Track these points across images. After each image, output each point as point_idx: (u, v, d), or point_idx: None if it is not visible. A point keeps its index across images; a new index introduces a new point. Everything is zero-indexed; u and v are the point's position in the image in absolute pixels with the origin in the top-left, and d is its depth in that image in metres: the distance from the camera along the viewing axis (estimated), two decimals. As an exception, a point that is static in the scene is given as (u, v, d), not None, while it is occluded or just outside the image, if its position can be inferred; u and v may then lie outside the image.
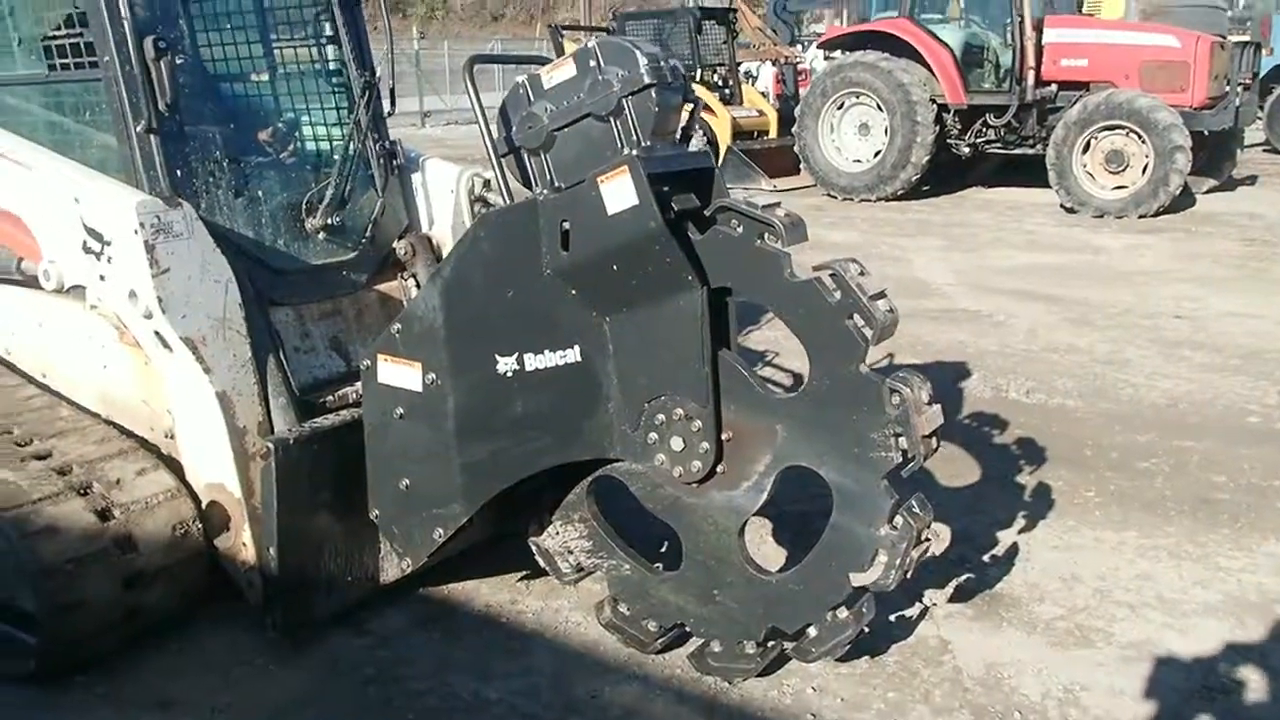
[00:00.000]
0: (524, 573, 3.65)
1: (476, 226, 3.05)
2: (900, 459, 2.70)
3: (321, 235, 3.67)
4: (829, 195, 13.43)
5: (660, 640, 3.18)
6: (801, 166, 13.80)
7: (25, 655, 3.06)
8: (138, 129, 3.23)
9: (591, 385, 2.99)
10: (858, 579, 2.82)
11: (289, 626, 3.21)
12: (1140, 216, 11.29)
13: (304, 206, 3.65)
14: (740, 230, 2.78)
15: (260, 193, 3.60)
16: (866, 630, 2.95)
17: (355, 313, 3.73)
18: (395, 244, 3.85)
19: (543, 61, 3.13)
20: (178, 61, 3.32)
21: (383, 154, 3.88)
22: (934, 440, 2.72)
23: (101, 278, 3.16)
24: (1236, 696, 3.04)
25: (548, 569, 3.35)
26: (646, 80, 2.78)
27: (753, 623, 2.98)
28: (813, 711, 2.98)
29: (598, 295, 2.89)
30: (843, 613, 2.87)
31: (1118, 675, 3.14)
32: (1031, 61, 12.35)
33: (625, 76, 2.79)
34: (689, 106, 3.07)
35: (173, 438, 3.33)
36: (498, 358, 2.98)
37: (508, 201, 3.11)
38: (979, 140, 13.16)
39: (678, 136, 3.03)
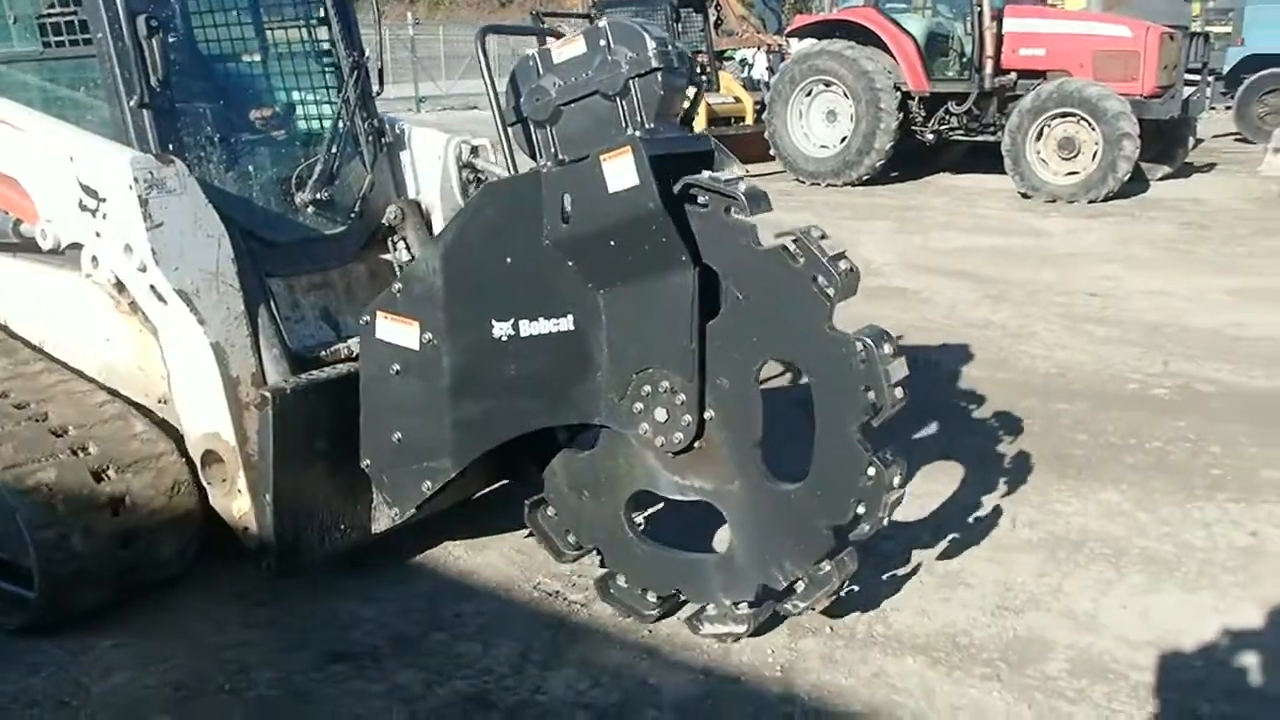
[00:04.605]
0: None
1: (481, 194, 3.19)
2: (870, 412, 2.82)
3: (310, 209, 3.78)
4: (797, 180, 13.77)
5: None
6: (772, 152, 14.15)
7: (22, 608, 3.27)
8: (131, 104, 3.34)
9: (583, 354, 3.13)
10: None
11: (284, 570, 3.34)
12: (1090, 201, 11.62)
13: (294, 181, 3.76)
14: (708, 204, 2.91)
15: (251, 167, 3.71)
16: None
17: (345, 285, 3.85)
18: (387, 209, 3.94)
19: (556, 35, 3.29)
20: (169, 40, 3.44)
21: (371, 131, 3.97)
22: (900, 390, 2.82)
23: (97, 234, 3.27)
24: (1025, 615, 3.43)
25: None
26: (654, 64, 2.89)
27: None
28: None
29: (594, 268, 3.01)
30: (826, 565, 3.05)
31: (927, 598, 3.52)
32: (990, 50, 12.65)
33: (633, 58, 2.90)
34: (692, 91, 3.22)
35: (166, 403, 3.45)
36: (494, 322, 3.12)
37: (512, 169, 3.29)
38: (942, 127, 13.46)
39: (679, 119, 3.18)
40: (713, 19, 17.28)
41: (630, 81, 2.91)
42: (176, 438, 3.43)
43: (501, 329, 3.12)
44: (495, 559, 3.78)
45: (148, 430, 3.43)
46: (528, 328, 3.11)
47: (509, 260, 3.07)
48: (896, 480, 2.92)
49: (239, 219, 3.46)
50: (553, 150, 3.04)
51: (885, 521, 2.94)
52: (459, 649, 3.25)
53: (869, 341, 2.78)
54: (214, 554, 3.61)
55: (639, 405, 3.12)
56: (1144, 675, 3.11)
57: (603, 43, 2.94)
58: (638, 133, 2.89)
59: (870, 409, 2.81)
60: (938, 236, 10.11)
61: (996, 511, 4.16)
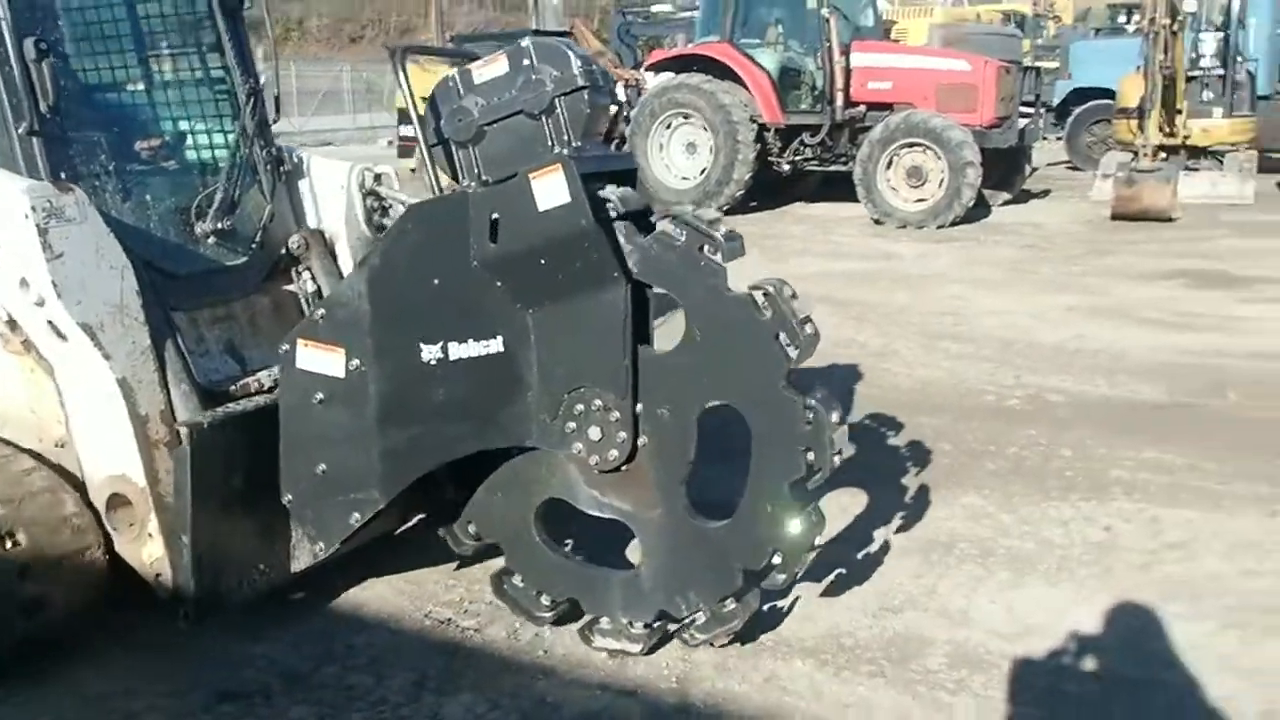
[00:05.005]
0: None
1: (406, 216, 3.13)
2: (806, 472, 2.90)
3: (211, 240, 3.68)
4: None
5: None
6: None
7: None
8: (19, 131, 3.19)
9: (513, 375, 3.10)
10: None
11: (202, 617, 3.19)
12: (938, 226, 12.17)
13: (193, 211, 3.66)
14: (683, 239, 2.89)
15: (148, 197, 3.60)
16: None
17: (248, 317, 3.75)
18: (290, 239, 3.88)
19: (472, 57, 3.26)
20: (60, 64, 3.31)
21: (269, 160, 3.88)
22: (837, 457, 2.91)
23: None
24: (904, 614, 3.60)
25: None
26: (580, 82, 2.93)
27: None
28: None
29: (523, 287, 3.00)
30: (731, 603, 3.15)
31: (811, 603, 3.64)
32: (841, 84, 13.16)
33: (558, 77, 2.94)
34: (614, 109, 3.31)
35: (63, 446, 3.27)
36: (422, 346, 3.06)
37: (437, 191, 3.22)
38: (797, 158, 13.92)
39: (603, 137, 3.20)
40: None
41: (556, 100, 2.94)
42: (77, 485, 3.24)
43: (430, 352, 3.07)
44: (384, 590, 3.76)
45: (79, 512, 3.19)
46: (457, 350, 3.06)
47: (436, 282, 3.03)
48: (818, 539, 3.06)
49: (139, 250, 3.31)
50: (476, 171, 3.04)
51: (799, 576, 3.07)
52: (352, 681, 3.23)
53: (819, 407, 2.85)
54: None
55: (572, 425, 3.12)
56: (1015, 664, 3.30)
57: (526, 62, 2.98)
58: (566, 150, 2.91)
59: (807, 470, 2.89)
60: (796, 262, 10.42)
61: (871, 519, 4.34)
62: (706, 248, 2.87)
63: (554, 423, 3.14)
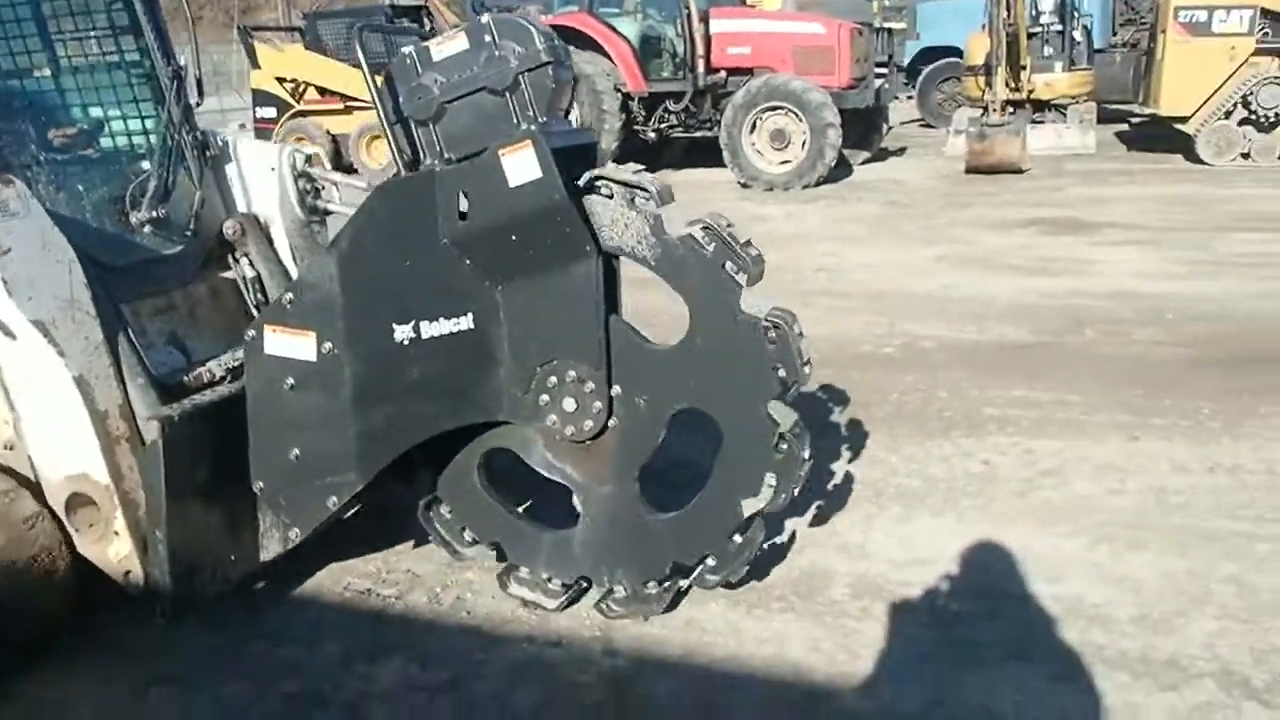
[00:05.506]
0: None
1: (373, 197, 3.08)
2: (771, 495, 3.02)
3: (147, 229, 3.60)
4: (529, 184, 13.99)
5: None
6: (501, 157, 14.30)
7: None
8: None
9: (483, 351, 3.11)
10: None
11: (180, 612, 3.15)
12: (804, 187, 12.52)
13: (127, 201, 3.59)
14: (711, 250, 2.92)
15: (81, 188, 3.53)
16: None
17: (188, 307, 3.69)
18: (224, 225, 3.81)
19: (422, 36, 3.22)
20: None
21: (195, 145, 3.80)
22: (798, 487, 3.07)
23: None
24: (806, 552, 3.81)
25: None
26: (544, 58, 2.88)
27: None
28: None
29: (492, 263, 3.00)
30: (654, 587, 3.29)
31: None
32: (701, 50, 13.40)
33: (522, 53, 2.88)
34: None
35: (13, 449, 3.15)
36: (395, 326, 3.05)
37: (402, 170, 3.17)
38: (663, 125, 14.13)
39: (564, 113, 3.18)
40: (427, 28, 17.27)
41: (520, 76, 2.90)
42: (29, 487, 3.13)
43: (403, 332, 3.07)
44: (300, 566, 3.76)
45: (69, 576, 3.12)
46: (428, 329, 3.07)
47: (407, 262, 3.03)
48: (756, 551, 3.21)
49: (78, 242, 3.18)
50: (438, 149, 3.02)
51: (732, 580, 3.23)
52: (282, 654, 3.27)
53: (795, 436, 2.97)
54: None
55: (545, 398, 3.15)
56: (911, 590, 3.54)
57: (488, 38, 2.94)
58: (533, 126, 2.91)
59: (766, 490, 3.03)
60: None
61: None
62: (729, 264, 2.91)
63: (526, 396, 3.17)
